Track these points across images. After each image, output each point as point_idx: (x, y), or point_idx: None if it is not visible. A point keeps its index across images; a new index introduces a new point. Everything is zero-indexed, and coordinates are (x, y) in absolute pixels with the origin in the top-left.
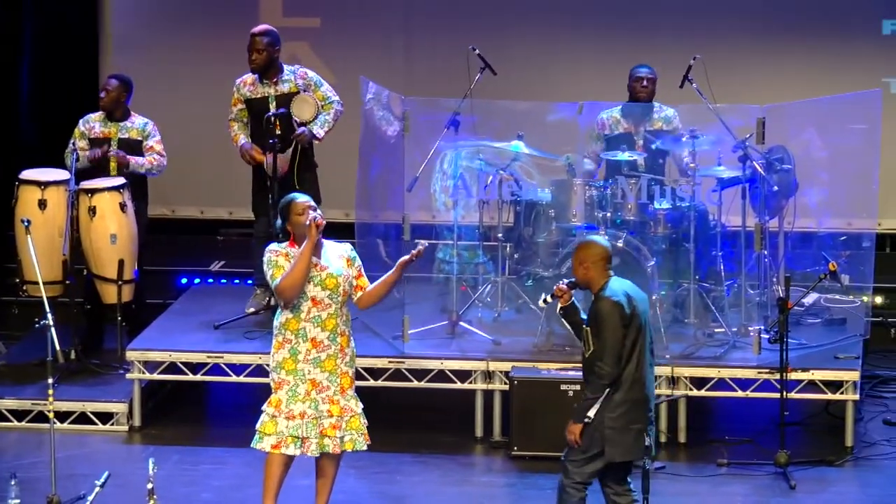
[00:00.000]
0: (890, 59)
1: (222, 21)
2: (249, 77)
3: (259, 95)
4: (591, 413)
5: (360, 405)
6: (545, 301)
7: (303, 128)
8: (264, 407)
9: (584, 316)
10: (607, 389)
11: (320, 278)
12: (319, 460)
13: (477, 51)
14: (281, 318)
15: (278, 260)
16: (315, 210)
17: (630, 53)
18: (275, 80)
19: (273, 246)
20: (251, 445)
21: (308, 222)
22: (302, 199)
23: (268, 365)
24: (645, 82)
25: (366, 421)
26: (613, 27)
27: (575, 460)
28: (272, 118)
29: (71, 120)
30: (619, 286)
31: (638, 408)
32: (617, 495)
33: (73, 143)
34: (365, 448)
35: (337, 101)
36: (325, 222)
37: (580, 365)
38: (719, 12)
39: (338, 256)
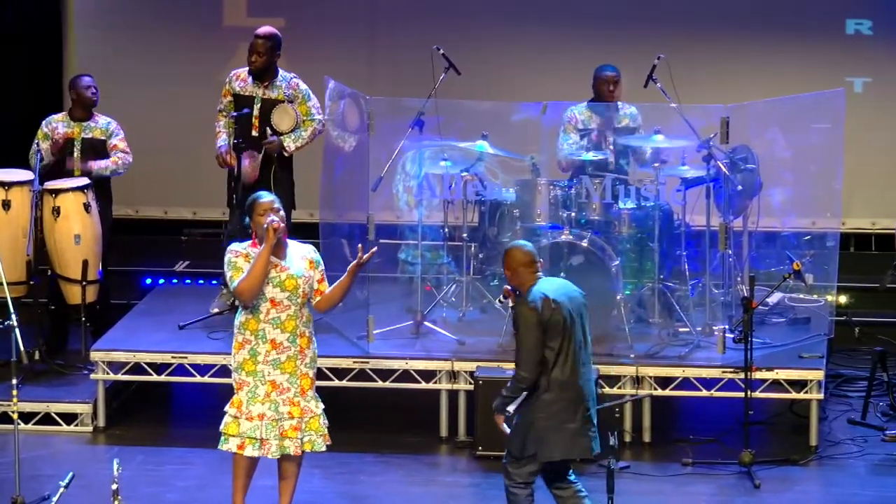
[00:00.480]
0: (853, 58)
1: (186, 21)
2: (243, 72)
3: (247, 93)
4: (511, 408)
5: (321, 406)
6: (500, 301)
7: (274, 137)
8: (227, 408)
9: None
10: (525, 392)
11: (279, 279)
12: (281, 462)
13: (441, 51)
14: (241, 317)
15: (237, 261)
16: (277, 212)
17: (593, 53)
18: (267, 83)
19: (234, 246)
20: (218, 447)
21: (265, 225)
22: (266, 199)
23: (230, 365)
24: (612, 86)
25: (326, 422)
26: (577, 27)
27: (513, 461)
28: (237, 118)
29: (35, 120)
30: (541, 289)
31: (571, 407)
32: (559, 489)
33: (37, 144)
34: (324, 449)
35: (318, 121)
36: (283, 226)
37: None
38: (683, 12)
39: (301, 257)
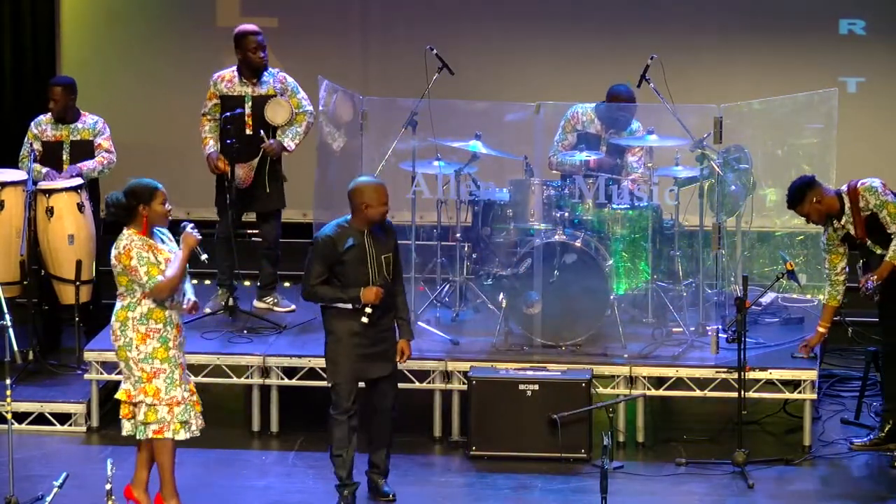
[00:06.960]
0: (846, 58)
1: (178, 20)
2: (228, 73)
3: (235, 93)
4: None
5: None
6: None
7: (272, 140)
8: (142, 398)
9: None
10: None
11: None
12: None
13: (434, 51)
14: (141, 308)
15: (149, 256)
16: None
17: (587, 53)
18: (255, 80)
19: (135, 241)
20: (137, 437)
21: (185, 234)
22: (163, 190)
23: (133, 356)
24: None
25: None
26: (570, 27)
27: (332, 390)
28: (230, 118)
29: (25, 119)
30: (338, 221)
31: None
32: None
33: (30, 145)
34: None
35: (310, 112)
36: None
37: (538, 364)
38: (676, 12)
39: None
